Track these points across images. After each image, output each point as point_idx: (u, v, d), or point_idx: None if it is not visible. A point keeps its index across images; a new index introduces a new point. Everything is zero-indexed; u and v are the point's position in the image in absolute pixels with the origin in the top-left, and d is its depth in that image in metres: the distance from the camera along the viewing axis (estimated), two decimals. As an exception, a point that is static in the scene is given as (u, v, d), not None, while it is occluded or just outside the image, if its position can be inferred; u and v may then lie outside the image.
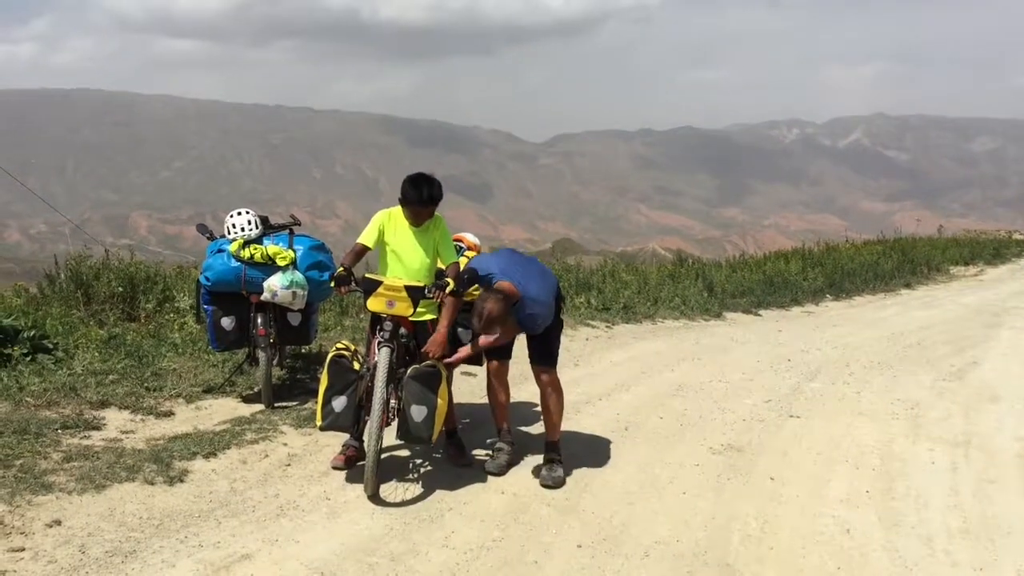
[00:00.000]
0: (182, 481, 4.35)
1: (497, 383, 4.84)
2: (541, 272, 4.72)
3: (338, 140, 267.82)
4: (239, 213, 5.67)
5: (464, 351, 4.67)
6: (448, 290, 4.38)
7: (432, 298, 4.39)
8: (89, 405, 5.30)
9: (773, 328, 10.08)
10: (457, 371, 5.71)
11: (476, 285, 4.64)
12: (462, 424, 5.43)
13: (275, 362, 6.00)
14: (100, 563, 3.51)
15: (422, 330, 4.63)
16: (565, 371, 5.52)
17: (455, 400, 5.07)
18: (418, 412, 4.31)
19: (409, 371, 4.40)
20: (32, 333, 6.10)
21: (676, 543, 4.01)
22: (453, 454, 4.90)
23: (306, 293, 5.57)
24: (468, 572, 3.66)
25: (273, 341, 5.73)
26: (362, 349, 4.83)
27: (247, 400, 5.77)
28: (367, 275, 4.60)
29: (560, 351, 4.86)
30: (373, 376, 4.31)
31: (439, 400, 4.36)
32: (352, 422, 4.50)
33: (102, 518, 3.89)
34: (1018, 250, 20.11)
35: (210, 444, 4.81)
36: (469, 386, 6.37)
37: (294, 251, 5.62)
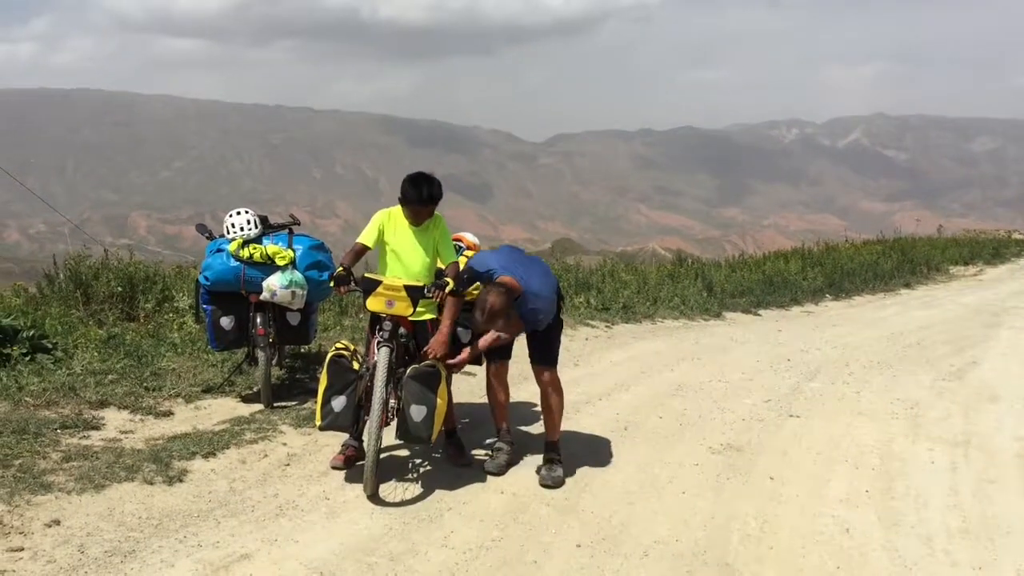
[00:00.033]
0: (181, 481, 4.35)
1: (497, 383, 4.84)
2: (543, 269, 4.72)
3: (338, 140, 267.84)
4: (238, 213, 5.67)
5: (466, 353, 4.65)
6: (448, 290, 4.37)
7: (432, 298, 4.39)
8: (88, 405, 5.30)
9: (773, 328, 10.08)
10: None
11: (476, 284, 4.63)
12: (461, 424, 5.42)
13: (274, 362, 6.00)
14: (99, 563, 3.50)
15: (421, 330, 4.62)
16: (565, 371, 5.52)
17: (455, 400, 5.07)
18: (417, 412, 4.31)
19: (408, 371, 4.40)
20: (31, 333, 6.10)
21: (675, 543, 4.01)
22: (452, 454, 4.90)
23: (305, 293, 5.57)
24: (467, 572, 3.66)
25: (272, 341, 5.73)
26: (361, 349, 4.82)
27: (246, 400, 5.77)
28: (366, 275, 4.60)
29: (560, 351, 4.86)
30: (372, 376, 4.31)
31: (438, 400, 4.35)
32: (351, 422, 4.51)
33: (101, 518, 3.88)
34: (1018, 250, 20.13)
35: (209, 444, 4.81)
36: (469, 386, 6.37)
37: (293, 251, 5.61)
